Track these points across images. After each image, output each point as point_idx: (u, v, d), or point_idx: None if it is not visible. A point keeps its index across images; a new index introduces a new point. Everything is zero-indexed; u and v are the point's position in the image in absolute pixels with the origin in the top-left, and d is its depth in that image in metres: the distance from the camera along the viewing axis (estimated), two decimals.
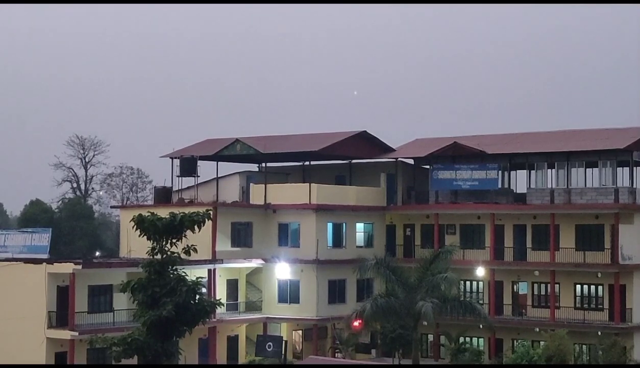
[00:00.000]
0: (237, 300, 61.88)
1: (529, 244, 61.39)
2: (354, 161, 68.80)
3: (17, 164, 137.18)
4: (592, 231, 59.47)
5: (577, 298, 59.73)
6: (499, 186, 62.55)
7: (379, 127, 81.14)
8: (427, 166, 66.14)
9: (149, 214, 36.71)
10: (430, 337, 62.66)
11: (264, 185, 63.14)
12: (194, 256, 37.98)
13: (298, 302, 61.18)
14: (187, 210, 37.92)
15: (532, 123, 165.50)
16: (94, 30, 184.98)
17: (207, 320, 38.82)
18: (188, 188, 65.81)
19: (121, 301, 52.78)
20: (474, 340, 61.31)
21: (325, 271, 61.13)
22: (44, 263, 52.72)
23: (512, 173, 64.22)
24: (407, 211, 65.63)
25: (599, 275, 58.68)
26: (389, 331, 57.10)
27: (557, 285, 60.03)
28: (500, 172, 62.60)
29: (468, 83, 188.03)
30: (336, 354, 59.05)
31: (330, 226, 62.36)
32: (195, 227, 36.73)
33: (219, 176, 66.45)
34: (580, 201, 59.63)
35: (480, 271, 62.02)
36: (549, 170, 61.60)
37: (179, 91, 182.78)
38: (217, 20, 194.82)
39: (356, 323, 52.83)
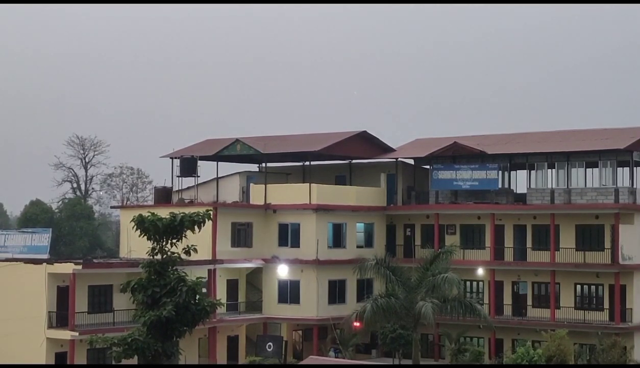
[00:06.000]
0: (237, 300, 61.85)
1: (529, 244, 61.37)
2: (354, 161, 68.76)
3: (17, 164, 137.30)
4: (592, 231, 59.44)
5: (577, 298, 59.70)
6: (499, 186, 62.50)
7: (379, 127, 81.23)
8: (427, 166, 66.11)
9: (149, 214, 36.70)
10: (430, 337, 62.63)
11: (264, 185, 63.10)
12: (194, 257, 37.98)
13: (298, 302, 61.14)
14: (187, 210, 37.91)
15: (532, 123, 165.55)
16: (94, 30, 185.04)
17: (207, 320, 38.80)
18: (188, 188, 65.79)
19: (121, 301, 52.79)
20: (474, 340, 61.31)
21: (325, 271, 61.10)
22: (44, 263, 52.73)
23: (512, 173, 64.17)
24: (407, 211, 65.59)
25: (599, 275, 58.66)
26: (389, 331, 57.07)
27: (557, 285, 60.01)
28: (500, 172, 62.55)
29: (468, 83, 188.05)
30: (329, 352, 58.57)
31: (330, 226, 62.32)
32: (196, 227, 36.72)
33: (219, 176, 66.42)
34: (580, 201, 59.59)
35: (480, 271, 62.04)
36: (549, 170, 61.56)
37: (178, 90, 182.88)
38: (217, 20, 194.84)
39: (356, 324, 52.79)
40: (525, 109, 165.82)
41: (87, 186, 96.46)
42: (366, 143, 66.60)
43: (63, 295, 52.09)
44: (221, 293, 58.29)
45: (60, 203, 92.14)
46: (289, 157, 67.12)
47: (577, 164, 60.51)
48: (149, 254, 37.00)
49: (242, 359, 60.02)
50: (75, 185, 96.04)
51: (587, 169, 60.45)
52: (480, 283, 62.80)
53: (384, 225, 65.88)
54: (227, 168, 69.12)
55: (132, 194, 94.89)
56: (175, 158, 64.99)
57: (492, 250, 61.74)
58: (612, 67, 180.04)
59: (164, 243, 36.78)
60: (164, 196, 64.30)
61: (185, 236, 36.81)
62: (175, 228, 36.47)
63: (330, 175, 68.98)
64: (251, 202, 63.28)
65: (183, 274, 36.96)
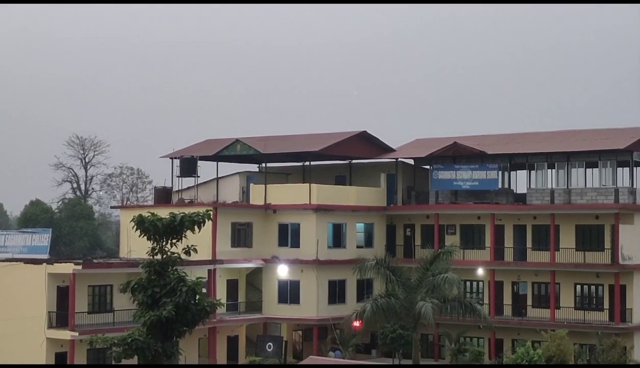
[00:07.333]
0: (237, 300, 61.85)
1: (529, 244, 61.36)
2: (354, 161, 68.75)
3: (17, 164, 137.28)
4: (592, 232, 59.43)
5: (577, 298, 59.69)
6: (499, 186, 62.50)
7: (379, 127, 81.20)
8: (427, 166, 66.11)
9: (149, 214, 36.72)
10: (430, 337, 62.64)
11: (264, 185, 63.10)
12: (194, 257, 38.00)
13: (298, 302, 61.12)
14: (187, 210, 37.94)
15: (532, 123, 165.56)
16: (94, 30, 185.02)
17: (207, 320, 38.81)
18: (188, 188, 65.79)
19: (121, 301, 52.78)
20: (474, 340, 61.31)
21: (325, 271, 61.09)
22: (44, 264, 52.74)
23: (512, 173, 64.17)
24: (407, 211, 65.58)
25: (599, 275, 58.66)
26: (389, 331, 57.07)
27: (557, 285, 60.00)
28: (500, 172, 62.55)
29: (468, 83, 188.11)
30: (329, 353, 58.52)
31: (330, 226, 62.31)
32: (196, 227, 36.75)
33: (219, 176, 66.44)
34: (580, 201, 59.59)
35: (480, 271, 62.03)
36: (549, 170, 61.56)
37: (179, 91, 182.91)
38: (217, 20, 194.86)
39: (356, 324, 52.75)
40: (526, 109, 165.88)
41: (87, 186, 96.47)
42: (366, 143, 66.59)
43: (63, 295, 52.11)
44: (221, 293, 58.29)
45: (60, 203, 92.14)
46: (289, 157, 67.11)
47: (577, 164, 60.51)
48: (149, 254, 37.03)
49: (242, 359, 60.02)
50: (75, 185, 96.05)
51: (587, 169, 60.46)
52: (480, 283, 62.80)
53: (384, 225, 65.87)
54: (227, 168, 69.22)
55: (132, 195, 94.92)
56: (175, 158, 65.00)
57: (492, 250, 61.73)
58: (613, 67, 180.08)
59: (164, 243, 36.81)
60: (164, 196, 64.31)
61: (185, 236, 36.84)
62: (175, 228, 36.50)
63: (330, 175, 68.98)
64: (251, 202, 63.27)
65: (183, 274, 36.99)
